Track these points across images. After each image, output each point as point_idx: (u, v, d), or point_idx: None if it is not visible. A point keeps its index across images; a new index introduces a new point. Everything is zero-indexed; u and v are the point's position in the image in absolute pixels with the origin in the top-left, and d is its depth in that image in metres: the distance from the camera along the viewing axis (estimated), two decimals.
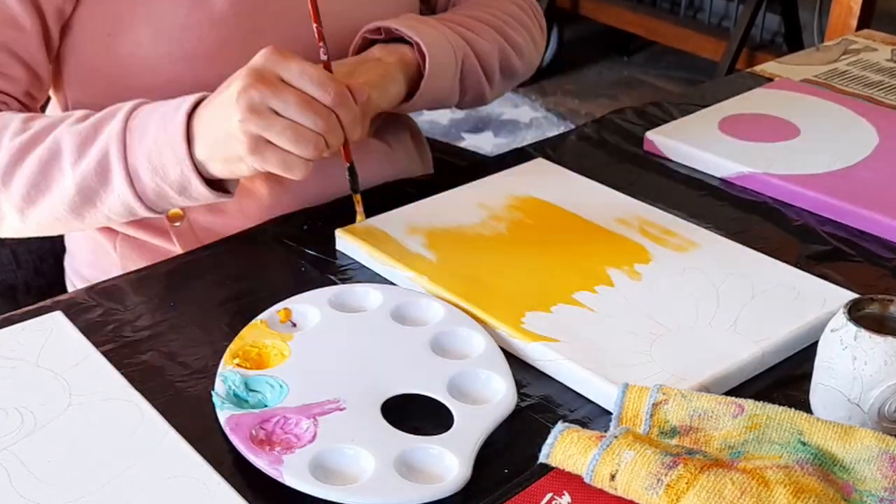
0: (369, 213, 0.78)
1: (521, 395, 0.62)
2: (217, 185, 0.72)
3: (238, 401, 0.58)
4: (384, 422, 0.57)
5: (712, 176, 0.90)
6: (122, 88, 0.77)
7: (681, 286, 0.70)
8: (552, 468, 0.54)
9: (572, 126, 1.57)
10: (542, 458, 0.54)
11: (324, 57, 0.71)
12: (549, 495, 0.53)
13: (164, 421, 0.58)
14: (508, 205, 0.80)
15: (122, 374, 0.62)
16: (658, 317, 0.66)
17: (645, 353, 0.63)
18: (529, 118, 2.77)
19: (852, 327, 0.55)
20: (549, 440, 0.54)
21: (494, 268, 0.72)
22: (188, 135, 0.69)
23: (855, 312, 0.57)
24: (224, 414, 0.57)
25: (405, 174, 0.91)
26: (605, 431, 0.55)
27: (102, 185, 0.71)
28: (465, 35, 0.86)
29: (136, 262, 0.83)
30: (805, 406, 0.58)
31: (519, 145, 0.98)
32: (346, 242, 0.76)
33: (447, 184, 0.85)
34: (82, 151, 0.71)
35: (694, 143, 0.92)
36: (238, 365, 0.61)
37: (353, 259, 0.76)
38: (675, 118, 0.99)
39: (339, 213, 0.80)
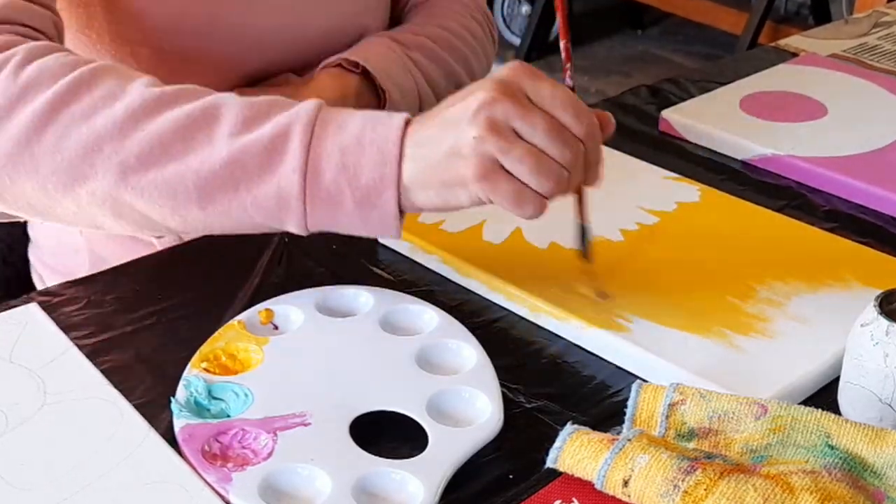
0: None
1: (528, 396, 0.61)
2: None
3: (198, 409, 0.58)
4: (350, 441, 0.55)
5: (733, 158, 0.89)
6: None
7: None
8: (560, 473, 0.53)
9: None
10: (549, 463, 0.53)
11: (570, 83, 0.65)
12: (557, 503, 0.52)
13: (145, 422, 0.57)
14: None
15: (100, 371, 0.61)
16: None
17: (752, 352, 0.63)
18: None
19: (884, 322, 0.55)
20: (558, 443, 0.53)
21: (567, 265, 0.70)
22: (401, 147, 0.60)
23: (887, 306, 0.56)
24: (179, 423, 0.56)
25: None
26: (618, 434, 0.54)
27: (264, 168, 0.60)
28: (423, 66, 0.87)
29: (106, 252, 0.82)
30: (833, 407, 0.58)
31: None
32: (408, 244, 0.74)
33: None
34: (250, 124, 0.61)
35: (713, 122, 0.92)
36: (205, 369, 0.60)
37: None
38: (692, 96, 0.99)
39: None
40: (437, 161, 0.59)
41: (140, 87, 0.62)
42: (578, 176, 0.61)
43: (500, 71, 0.61)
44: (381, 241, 0.76)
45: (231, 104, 0.62)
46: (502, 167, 0.58)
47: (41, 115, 0.61)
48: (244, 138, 0.60)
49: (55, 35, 0.70)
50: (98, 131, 0.60)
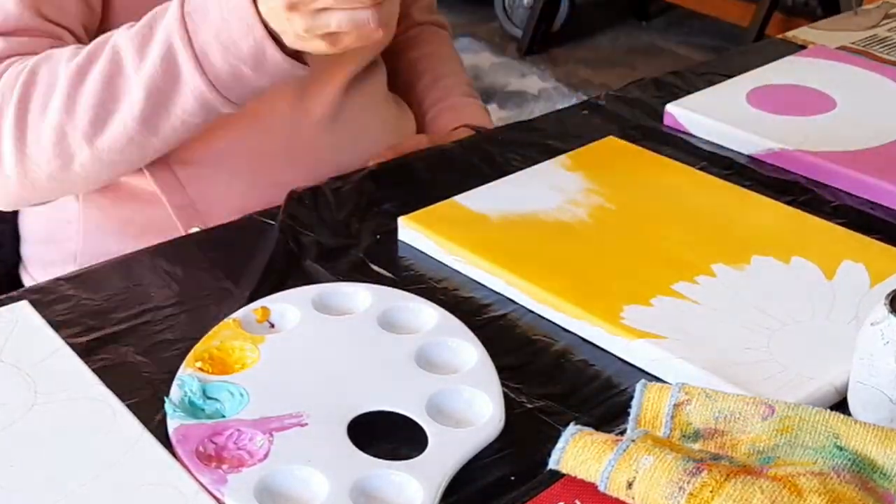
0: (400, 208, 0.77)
1: (529, 395, 0.61)
2: (292, 56, 0.73)
3: (193, 409, 0.58)
4: (348, 441, 0.55)
5: (740, 153, 0.89)
6: None
7: (789, 276, 0.69)
8: (563, 475, 0.53)
9: (585, 98, 1.56)
10: (551, 464, 0.53)
11: None
12: None
13: (138, 422, 0.57)
14: (586, 188, 0.80)
15: (93, 370, 0.61)
16: (769, 310, 0.66)
17: (763, 349, 0.62)
18: (538, 89, 2.76)
19: (895, 320, 0.55)
20: (560, 444, 0.53)
21: (580, 257, 0.71)
22: (255, 5, 0.70)
23: None
24: (173, 423, 0.56)
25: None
26: (622, 434, 0.54)
27: (172, 83, 0.72)
28: None
29: (101, 243, 0.83)
30: (842, 407, 0.58)
31: (526, 118, 0.97)
32: (409, 231, 0.75)
33: (458, 160, 0.84)
34: (142, 52, 0.72)
35: (719, 116, 0.91)
36: (200, 369, 0.60)
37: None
38: (698, 89, 0.98)
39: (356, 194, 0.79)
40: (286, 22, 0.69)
41: (64, 67, 0.73)
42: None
43: None
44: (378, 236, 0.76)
45: (125, 42, 0.72)
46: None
47: (15, 126, 0.74)
48: (145, 68, 0.72)
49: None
50: (53, 122, 0.73)
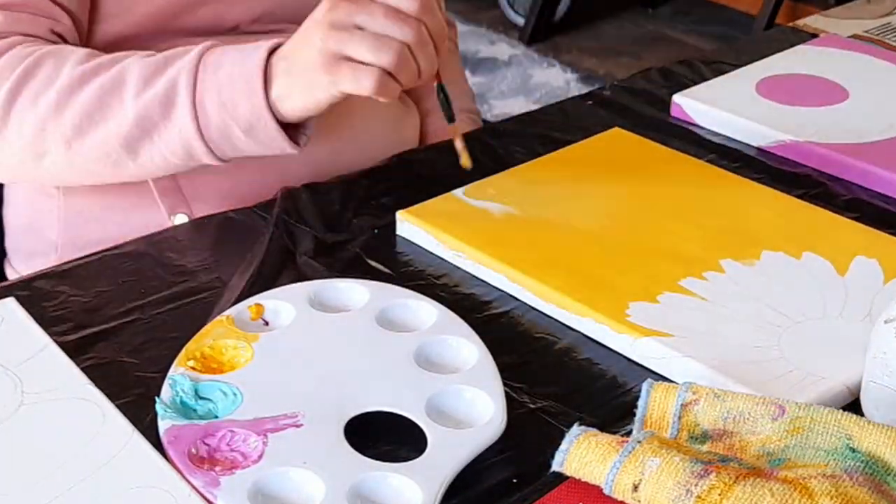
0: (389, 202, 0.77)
1: (532, 395, 0.61)
2: (288, 132, 0.75)
3: (185, 409, 0.57)
4: (345, 443, 0.55)
5: (749, 145, 0.89)
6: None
7: (800, 272, 0.69)
8: (567, 477, 0.53)
9: (589, 88, 1.56)
10: (555, 466, 0.53)
11: None
12: None
13: (129, 423, 0.57)
14: (592, 183, 0.79)
15: (81, 369, 0.61)
16: (780, 307, 0.66)
17: (773, 347, 0.62)
18: (541, 79, 2.76)
19: None
20: (564, 446, 0.53)
21: (584, 253, 0.71)
22: (266, 73, 0.73)
23: None
24: (164, 424, 0.56)
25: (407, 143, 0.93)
26: (627, 436, 0.54)
27: (164, 117, 0.74)
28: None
29: (82, 229, 0.84)
30: (855, 407, 0.58)
31: (528, 109, 0.98)
32: (408, 226, 0.75)
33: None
34: (148, 82, 0.74)
35: (728, 107, 0.91)
36: (192, 368, 0.60)
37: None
38: (706, 79, 0.98)
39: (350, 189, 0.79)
40: (296, 70, 0.72)
41: (70, 68, 0.75)
42: (427, 52, 0.71)
43: None
44: (377, 231, 0.76)
45: (135, 66, 0.75)
46: (348, 58, 0.70)
47: (2, 107, 0.75)
48: (145, 95, 0.74)
49: (50, 38, 0.79)
50: (41, 114, 0.75)
